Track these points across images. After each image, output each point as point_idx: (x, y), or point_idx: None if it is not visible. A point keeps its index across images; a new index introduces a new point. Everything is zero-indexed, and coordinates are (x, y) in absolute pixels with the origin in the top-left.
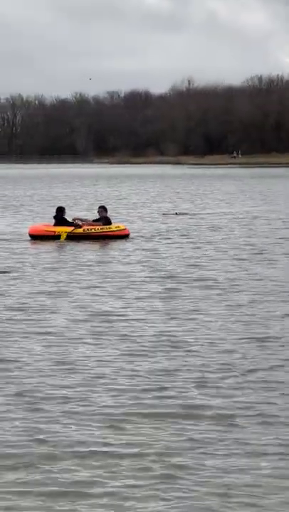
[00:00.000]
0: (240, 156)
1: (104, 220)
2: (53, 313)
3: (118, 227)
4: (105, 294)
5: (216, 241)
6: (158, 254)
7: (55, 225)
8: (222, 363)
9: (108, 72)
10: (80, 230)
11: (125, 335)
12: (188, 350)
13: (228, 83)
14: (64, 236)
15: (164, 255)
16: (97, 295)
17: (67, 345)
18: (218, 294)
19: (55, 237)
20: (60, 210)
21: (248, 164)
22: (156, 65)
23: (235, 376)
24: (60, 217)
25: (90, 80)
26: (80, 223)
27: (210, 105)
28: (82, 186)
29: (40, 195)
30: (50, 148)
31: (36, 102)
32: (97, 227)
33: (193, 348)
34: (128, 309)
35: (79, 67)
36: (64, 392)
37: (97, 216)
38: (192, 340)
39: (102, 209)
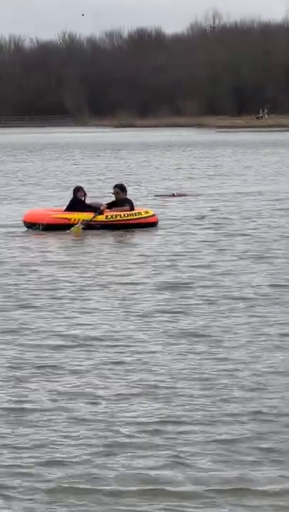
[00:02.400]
0: (266, 116)
1: (129, 203)
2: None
3: (147, 212)
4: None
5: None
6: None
7: (67, 210)
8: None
9: (106, 4)
10: (102, 217)
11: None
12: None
13: (266, 19)
14: (77, 230)
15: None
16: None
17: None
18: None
19: (70, 227)
20: (78, 191)
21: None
22: None
23: None
24: (76, 201)
25: (82, 16)
26: (102, 208)
27: (242, 48)
28: (63, 159)
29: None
30: (30, 106)
31: (11, 45)
32: (122, 213)
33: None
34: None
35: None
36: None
37: (111, 198)
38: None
39: (119, 189)
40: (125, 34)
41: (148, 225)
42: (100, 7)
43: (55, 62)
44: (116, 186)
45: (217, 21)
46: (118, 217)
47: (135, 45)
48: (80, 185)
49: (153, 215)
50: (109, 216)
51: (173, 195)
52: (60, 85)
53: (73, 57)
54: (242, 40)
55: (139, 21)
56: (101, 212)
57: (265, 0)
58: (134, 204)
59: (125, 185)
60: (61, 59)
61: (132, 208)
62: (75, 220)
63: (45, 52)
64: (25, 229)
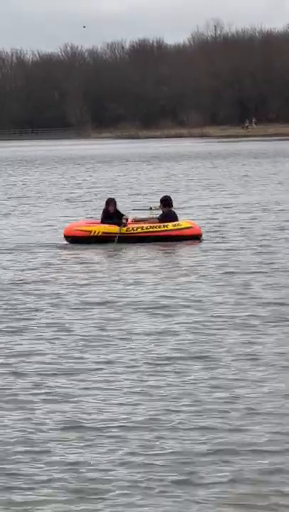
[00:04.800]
0: (254, 125)
1: (165, 215)
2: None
3: (179, 225)
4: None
5: None
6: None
7: (102, 222)
8: None
9: (108, 17)
10: (122, 230)
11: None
12: None
13: (268, 28)
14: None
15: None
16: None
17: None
18: None
19: (90, 240)
20: (109, 204)
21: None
22: (171, 4)
23: None
24: (107, 212)
25: (83, 29)
26: (124, 221)
27: (244, 58)
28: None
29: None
30: (32, 119)
31: (13, 58)
32: (145, 225)
33: None
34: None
35: (69, 11)
36: None
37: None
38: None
39: (161, 202)
40: (127, 45)
41: (185, 238)
42: (101, 19)
43: (57, 75)
44: (163, 199)
45: (219, 31)
46: (139, 230)
47: (137, 57)
48: (111, 196)
49: (190, 227)
50: (130, 228)
51: (150, 209)
52: (62, 98)
53: (75, 69)
54: (244, 51)
55: (141, 31)
56: (124, 225)
57: (267, 9)
58: (175, 216)
59: (170, 196)
60: (63, 71)
61: (165, 220)
62: (95, 232)
63: (46, 64)
64: (66, 243)
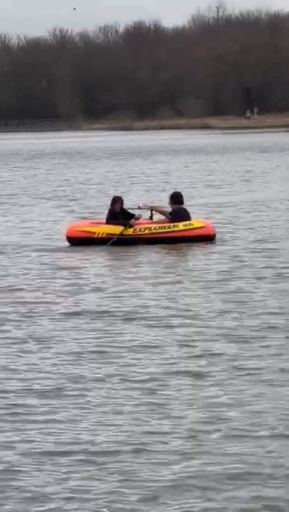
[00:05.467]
0: (256, 116)
1: (174, 213)
2: None
3: (190, 224)
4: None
5: None
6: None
7: (107, 222)
8: None
9: None
10: (129, 231)
11: None
12: None
13: (274, 9)
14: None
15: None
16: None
17: None
18: None
19: (94, 241)
20: (116, 202)
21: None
22: None
23: None
24: (113, 211)
25: (74, 11)
26: (131, 222)
27: (249, 42)
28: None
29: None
30: (20, 109)
31: None
32: (153, 225)
33: None
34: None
35: None
36: None
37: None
38: None
39: (170, 198)
40: (121, 28)
41: (197, 238)
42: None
43: (46, 61)
44: (172, 196)
45: (222, 12)
46: (146, 231)
47: (132, 41)
48: (118, 195)
49: (202, 227)
50: (138, 230)
51: (138, 208)
52: (51, 86)
53: (65, 55)
54: (249, 34)
55: (136, 13)
56: (130, 226)
57: None
58: (188, 214)
59: (180, 193)
60: (52, 57)
61: (175, 219)
62: (99, 233)
63: (34, 49)
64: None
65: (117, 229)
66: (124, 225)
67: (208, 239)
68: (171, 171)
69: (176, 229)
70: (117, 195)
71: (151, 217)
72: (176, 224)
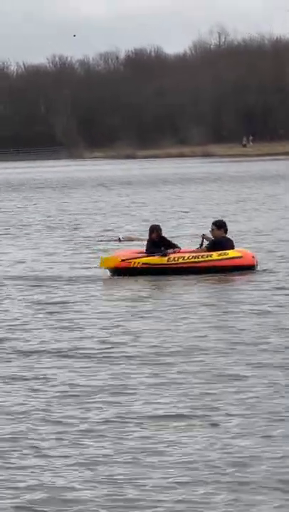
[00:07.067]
0: (250, 143)
1: (216, 242)
2: None
3: (226, 254)
4: None
5: None
6: None
7: (146, 251)
8: None
9: (100, 24)
10: (164, 260)
11: None
12: None
13: (277, 34)
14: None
15: None
16: None
17: None
18: None
19: (132, 272)
20: (153, 231)
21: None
22: (169, 8)
23: None
24: (152, 241)
25: (74, 37)
26: (168, 251)
27: (251, 68)
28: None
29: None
30: (17, 137)
31: None
32: (187, 254)
33: None
34: None
35: (57, 18)
36: None
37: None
38: None
39: (215, 226)
40: (122, 55)
41: (235, 268)
42: (93, 24)
43: (45, 88)
44: (215, 223)
45: (223, 39)
46: (180, 260)
47: (133, 68)
48: (156, 223)
49: (239, 257)
50: (172, 259)
51: (119, 240)
52: (50, 113)
53: (64, 82)
54: (251, 60)
55: (137, 39)
56: (165, 254)
57: (273, 15)
58: (232, 244)
59: (225, 221)
60: (51, 84)
61: (214, 248)
62: (135, 263)
63: (33, 76)
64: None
65: (151, 259)
66: (159, 254)
67: (247, 268)
68: (201, 199)
69: (210, 258)
70: (154, 223)
71: (201, 245)
72: (210, 254)
